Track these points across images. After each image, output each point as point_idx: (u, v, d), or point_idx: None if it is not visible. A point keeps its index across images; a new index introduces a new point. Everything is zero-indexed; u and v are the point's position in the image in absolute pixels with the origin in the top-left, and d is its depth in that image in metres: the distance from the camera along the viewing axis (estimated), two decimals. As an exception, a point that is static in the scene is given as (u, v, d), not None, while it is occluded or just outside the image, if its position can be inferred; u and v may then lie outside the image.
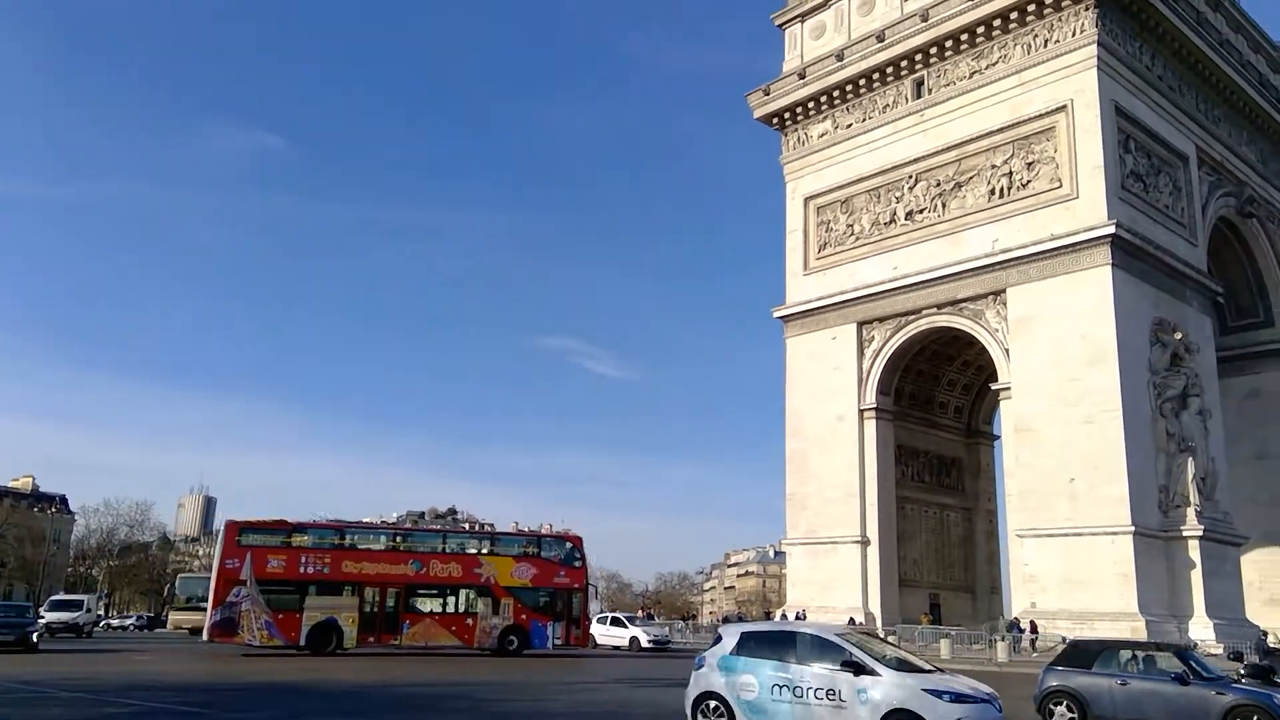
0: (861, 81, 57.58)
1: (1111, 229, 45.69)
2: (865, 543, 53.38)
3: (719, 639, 15.64)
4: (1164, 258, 49.58)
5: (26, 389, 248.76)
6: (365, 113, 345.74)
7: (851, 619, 49.21)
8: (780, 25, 63.93)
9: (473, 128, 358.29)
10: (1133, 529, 43.12)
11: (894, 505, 55.54)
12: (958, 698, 12.99)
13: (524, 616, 35.63)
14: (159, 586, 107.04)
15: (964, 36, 52.85)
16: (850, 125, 58.57)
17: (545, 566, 36.61)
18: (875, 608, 52.23)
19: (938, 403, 61.42)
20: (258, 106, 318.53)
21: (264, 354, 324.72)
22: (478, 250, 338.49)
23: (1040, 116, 49.40)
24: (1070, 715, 17.86)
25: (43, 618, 43.57)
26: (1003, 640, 40.89)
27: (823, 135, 60.09)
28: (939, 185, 53.02)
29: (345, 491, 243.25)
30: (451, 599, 35.28)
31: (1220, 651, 38.70)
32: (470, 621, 34.96)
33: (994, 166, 50.82)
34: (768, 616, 73.01)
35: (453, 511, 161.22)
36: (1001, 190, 50.36)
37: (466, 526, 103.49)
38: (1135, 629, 40.31)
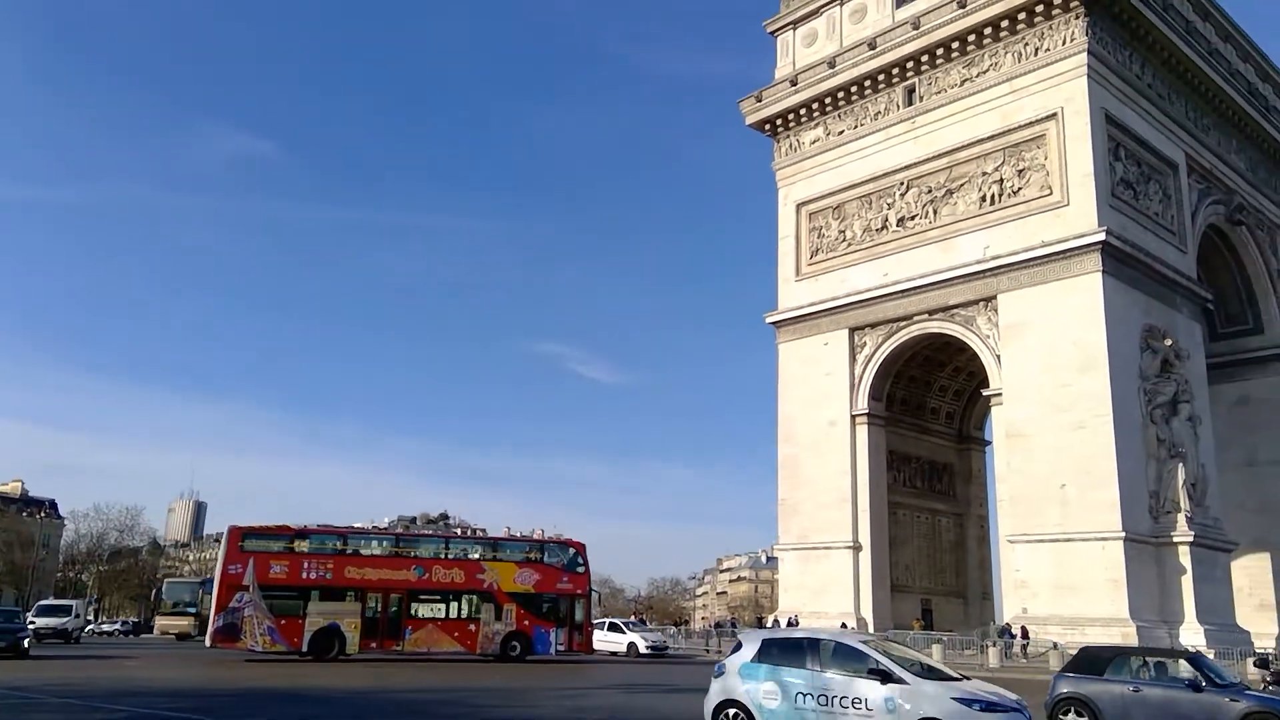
0: (853, 88, 57.78)
1: (1102, 236, 45.90)
2: (857, 548, 53.45)
3: (739, 645, 15.42)
4: (1154, 265, 49.83)
5: (17, 392, 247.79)
6: (361, 116, 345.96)
7: (843, 624, 49.23)
8: (773, 32, 64.11)
9: (469, 132, 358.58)
10: (1123, 535, 43.26)
11: (886, 511, 55.62)
12: (988, 706, 12.77)
13: (527, 622, 35.60)
14: (148, 592, 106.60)
15: (955, 44, 53.08)
16: (842, 132, 58.76)
17: (548, 572, 36.56)
18: (867, 613, 52.31)
19: (929, 408, 61.58)
20: (253, 110, 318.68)
21: (256, 358, 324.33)
22: (473, 255, 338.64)
23: (1031, 124, 49.62)
24: None
25: (33, 623, 43.34)
26: (994, 646, 41.00)
27: (815, 142, 60.26)
28: (930, 192, 53.22)
29: (337, 496, 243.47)
30: (454, 605, 35.27)
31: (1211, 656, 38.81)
32: (473, 627, 34.92)
33: (985, 173, 51.03)
34: (759, 622, 73.04)
35: (444, 516, 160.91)
36: (993, 197, 50.56)
37: (458, 531, 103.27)
38: (1126, 635, 40.41)
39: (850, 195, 57.22)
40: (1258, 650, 43.96)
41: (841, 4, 60.02)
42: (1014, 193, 49.90)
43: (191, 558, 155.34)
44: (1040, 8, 49.59)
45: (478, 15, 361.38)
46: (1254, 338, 62.28)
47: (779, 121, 61.81)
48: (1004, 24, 51.06)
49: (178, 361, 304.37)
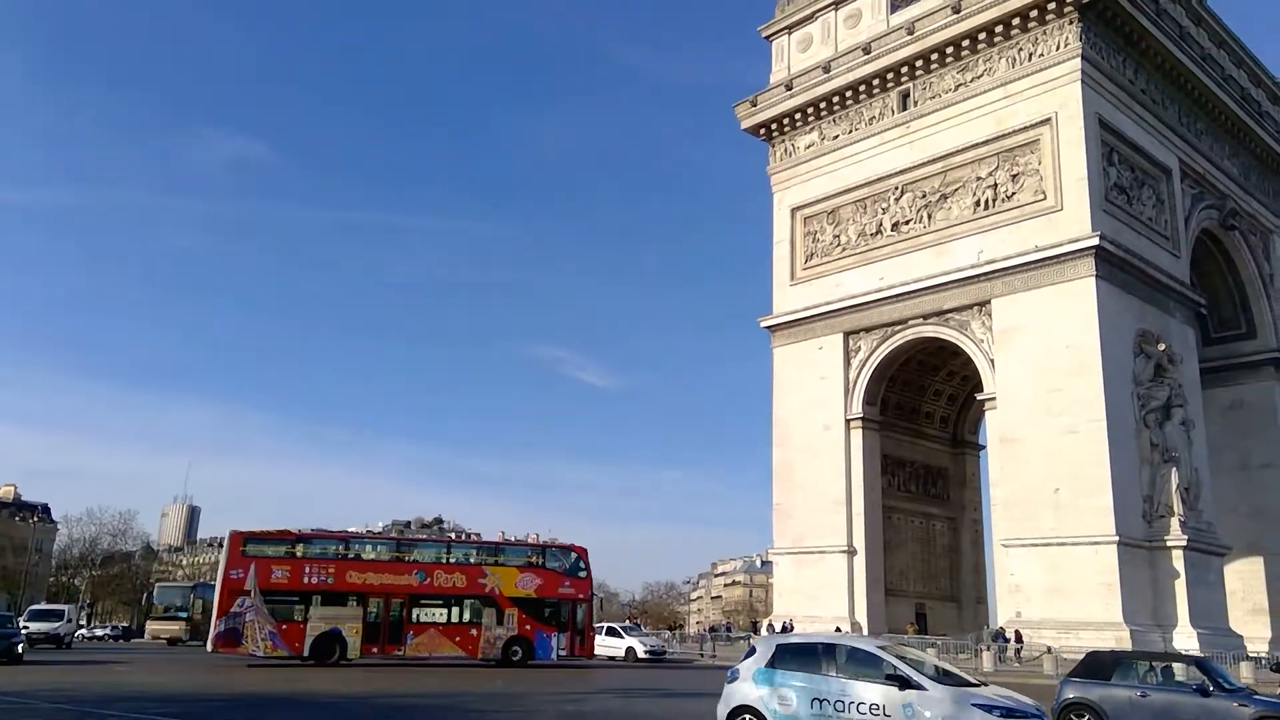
0: (848, 93, 57.91)
1: (1095, 241, 46.04)
2: (851, 552, 53.46)
3: (752, 651, 15.25)
4: (1147, 269, 49.97)
5: (10, 395, 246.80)
6: (357, 119, 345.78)
7: (837, 628, 49.25)
8: (767, 37, 64.23)
9: (466, 135, 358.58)
10: (1117, 539, 43.34)
11: (880, 515, 55.65)
12: (1008, 712, 12.62)
13: (528, 627, 35.52)
14: (141, 596, 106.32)
15: (949, 50, 53.23)
16: (837, 137, 58.88)
17: (550, 577, 36.49)
18: (861, 617, 52.31)
19: (924, 413, 61.65)
20: (251, 113, 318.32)
21: (250, 361, 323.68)
22: (469, 257, 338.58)
23: (1025, 129, 49.78)
24: None
25: (26, 628, 43.18)
26: (988, 650, 41.01)
27: (809, 146, 60.38)
28: (925, 197, 53.33)
29: (332, 500, 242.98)
30: (455, 609, 35.18)
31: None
32: (474, 632, 34.85)
33: (979, 178, 51.16)
34: (754, 626, 73.07)
35: (439, 521, 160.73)
36: (987, 202, 50.69)
37: (453, 535, 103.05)
38: (1120, 638, 40.44)
39: (845, 200, 57.32)
40: (1250, 654, 44.14)
41: (836, 9, 60.17)
42: (1008, 197, 50.03)
43: (185, 562, 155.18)
44: (1034, 13, 49.78)
45: (474, 19, 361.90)
46: (1247, 342, 62.44)
47: (774, 126, 61.92)
48: (998, 29, 51.24)
49: (173, 364, 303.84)
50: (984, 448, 59.32)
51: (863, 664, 13.64)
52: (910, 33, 54.39)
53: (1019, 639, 43.28)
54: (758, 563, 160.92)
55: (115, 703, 19.98)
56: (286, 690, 23.65)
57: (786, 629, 50.51)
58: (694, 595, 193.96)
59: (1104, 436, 44.55)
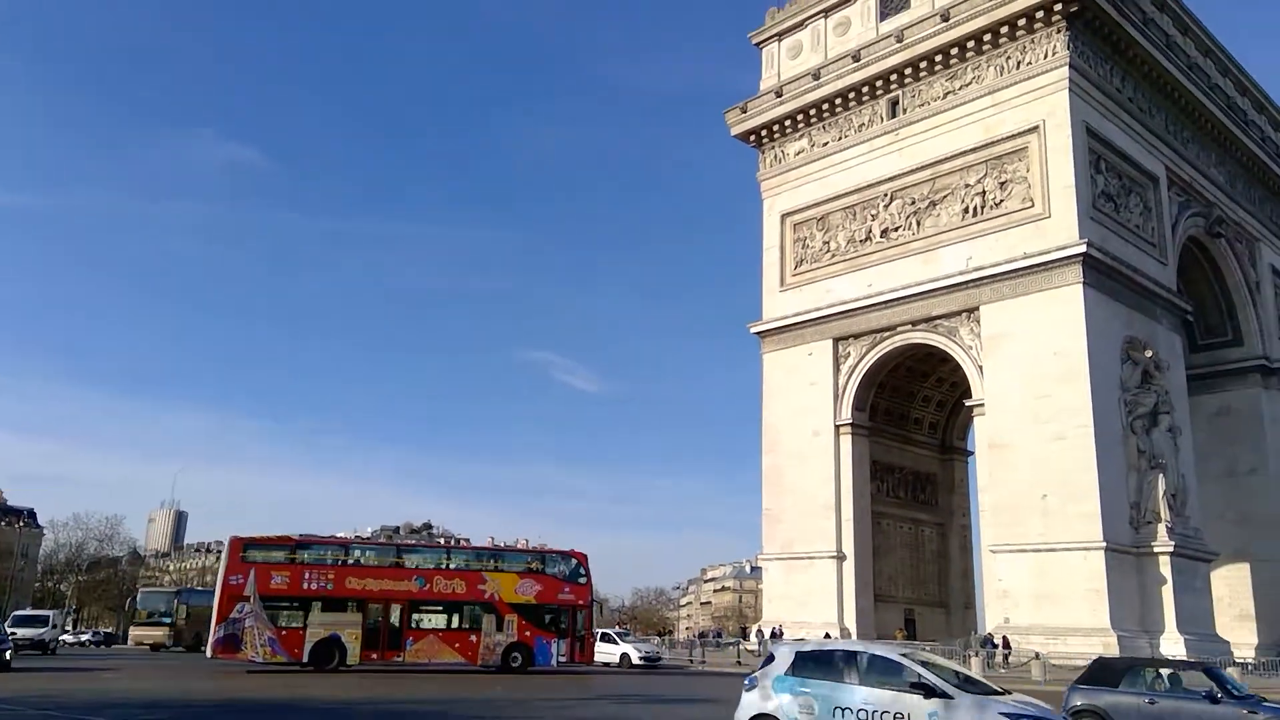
0: (837, 100, 58.15)
1: (1083, 248, 46.30)
2: (841, 558, 53.57)
3: (771, 658, 15.02)
4: (1135, 277, 50.27)
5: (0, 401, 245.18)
6: (350, 126, 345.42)
7: (826, 634, 49.32)
8: (758, 44, 64.47)
9: (458, 143, 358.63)
10: (1104, 545, 43.53)
11: (869, 521, 55.77)
12: None
13: (528, 633, 35.35)
14: (126, 602, 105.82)
15: (938, 57, 53.51)
16: (827, 143, 59.09)
17: (550, 583, 36.33)
18: (850, 622, 52.41)
19: (913, 419, 61.83)
20: (244, 118, 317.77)
21: (238, 367, 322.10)
22: (460, 264, 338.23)
23: (1013, 137, 50.06)
24: None
25: (13, 633, 42.86)
26: (977, 655, 41.09)
27: (799, 153, 60.59)
28: (914, 204, 53.56)
29: (321, 506, 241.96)
30: (455, 615, 35.01)
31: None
32: (474, 638, 34.68)
33: (967, 185, 51.40)
34: (744, 632, 73.01)
35: (428, 526, 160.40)
36: (975, 209, 50.93)
37: (441, 541, 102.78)
38: (1107, 644, 40.64)
39: (834, 206, 57.53)
40: (1236, 660, 44.35)
41: (826, 16, 60.44)
42: (996, 205, 50.29)
43: (172, 567, 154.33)
44: (1023, 22, 50.09)
45: (467, 27, 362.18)
46: (1233, 349, 62.88)
47: (764, 133, 62.13)
48: (987, 37, 51.54)
49: (165, 371, 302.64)
50: (973, 454, 59.59)
51: (885, 672, 13.43)
52: (899, 41, 54.67)
53: (1007, 644, 43.41)
54: (747, 568, 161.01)
55: (103, 709, 19.90)
56: (285, 696, 23.54)
57: (776, 635, 50.64)
58: (684, 601, 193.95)
59: (1091, 443, 44.78)
